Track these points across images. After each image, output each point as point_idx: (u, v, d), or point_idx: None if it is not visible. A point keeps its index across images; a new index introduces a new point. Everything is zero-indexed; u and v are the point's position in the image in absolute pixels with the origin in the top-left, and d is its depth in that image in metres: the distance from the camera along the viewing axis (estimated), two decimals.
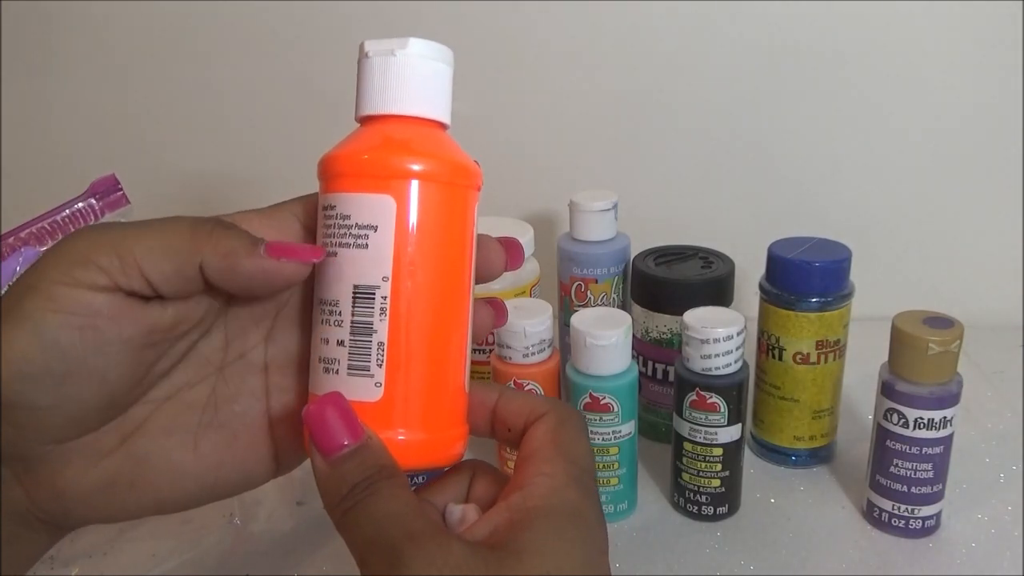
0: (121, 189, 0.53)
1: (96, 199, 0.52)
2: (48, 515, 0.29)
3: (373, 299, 0.30)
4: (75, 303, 0.27)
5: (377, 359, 0.30)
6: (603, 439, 0.52)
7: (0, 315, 0.27)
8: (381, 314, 0.30)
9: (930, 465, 0.50)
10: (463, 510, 0.31)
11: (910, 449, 0.50)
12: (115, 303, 0.27)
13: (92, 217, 0.52)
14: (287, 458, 0.33)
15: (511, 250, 0.35)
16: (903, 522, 0.52)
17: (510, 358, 0.52)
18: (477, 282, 0.33)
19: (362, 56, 0.31)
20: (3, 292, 0.29)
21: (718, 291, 0.60)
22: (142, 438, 0.30)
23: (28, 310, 0.26)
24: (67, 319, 0.27)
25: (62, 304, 0.27)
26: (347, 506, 0.27)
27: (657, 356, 0.62)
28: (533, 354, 0.52)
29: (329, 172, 0.31)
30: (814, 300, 0.55)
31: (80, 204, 0.52)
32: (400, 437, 0.30)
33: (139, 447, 0.30)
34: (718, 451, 0.53)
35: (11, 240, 0.49)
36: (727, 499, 0.54)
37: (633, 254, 0.64)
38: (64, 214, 0.51)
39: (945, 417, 0.49)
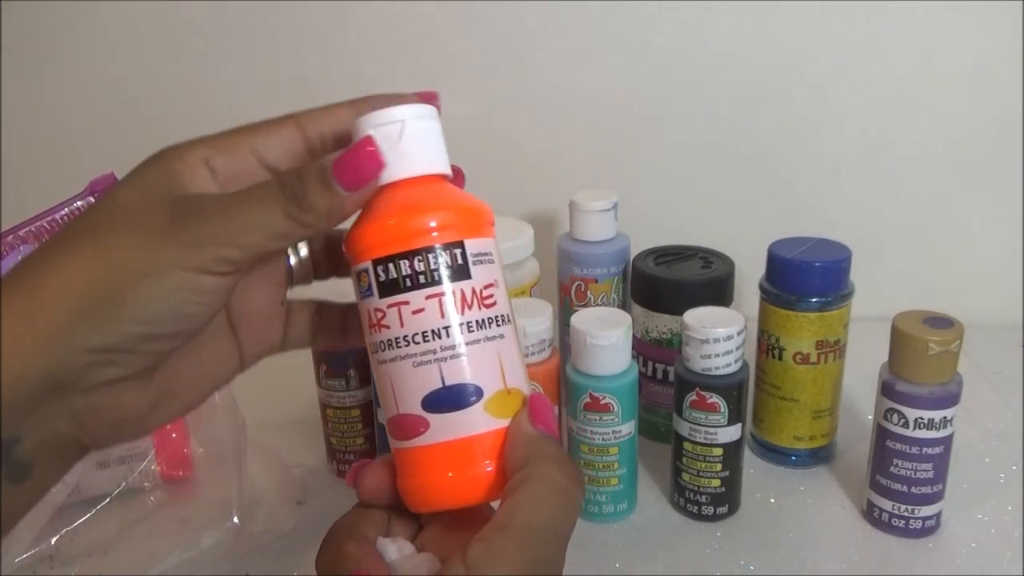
0: None
1: (95, 198, 0.52)
2: (95, 440, 0.32)
3: None
4: (208, 285, 0.30)
5: None
6: (603, 439, 0.52)
7: (125, 276, 0.29)
8: None
9: (930, 465, 0.50)
10: (399, 545, 0.32)
11: (910, 449, 0.50)
12: (232, 281, 0.31)
13: None
14: (249, 352, 0.36)
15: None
16: (903, 522, 0.52)
17: None
18: None
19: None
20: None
21: (718, 291, 0.60)
22: (174, 359, 0.33)
23: (165, 287, 0.29)
24: (199, 297, 0.30)
25: (196, 285, 0.30)
26: (530, 472, 0.29)
27: (657, 356, 0.62)
28: (533, 354, 0.52)
29: (487, 219, 0.33)
30: (814, 300, 0.55)
31: (79, 203, 0.52)
32: None
33: (172, 366, 0.33)
34: (718, 451, 0.53)
35: (10, 238, 0.49)
36: (727, 499, 0.54)
37: (633, 254, 0.64)
38: (63, 212, 0.51)
39: (945, 417, 0.49)
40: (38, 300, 0.29)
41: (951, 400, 0.49)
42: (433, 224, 0.31)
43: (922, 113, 0.76)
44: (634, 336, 0.61)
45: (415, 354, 0.31)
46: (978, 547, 0.52)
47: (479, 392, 0.31)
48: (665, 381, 0.62)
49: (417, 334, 0.31)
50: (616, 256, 0.64)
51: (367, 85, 0.35)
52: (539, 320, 0.52)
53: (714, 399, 0.51)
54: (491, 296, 0.32)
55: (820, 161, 0.78)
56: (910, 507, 0.51)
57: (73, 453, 0.32)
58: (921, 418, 0.49)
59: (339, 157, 0.30)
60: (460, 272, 0.31)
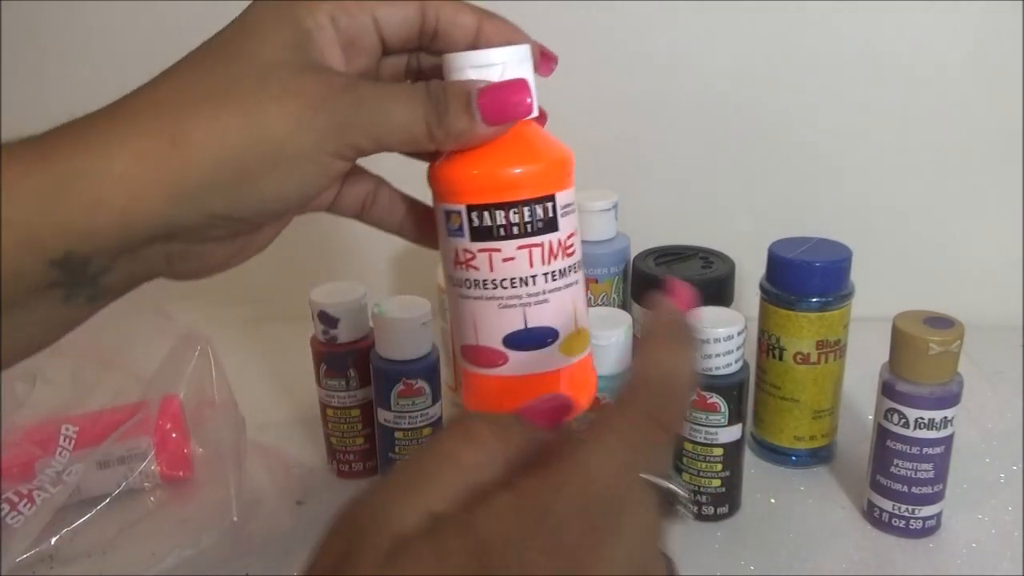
0: None
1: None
2: (177, 277, 0.33)
3: None
4: (338, 171, 0.31)
5: None
6: None
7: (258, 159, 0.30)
8: None
9: (930, 465, 0.50)
10: None
11: (910, 449, 0.50)
12: (347, 168, 0.32)
13: None
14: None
15: (544, 57, 0.38)
16: (903, 522, 0.52)
17: None
18: None
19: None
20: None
21: (718, 291, 0.60)
22: None
23: (303, 169, 0.30)
24: (322, 180, 0.31)
25: (325, 170, 0.31)
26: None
27: None
28: None
29: (571, 166, 0.34)
30: (814, 300, 0.55)
31: None
32: None
33: None
34: (718, 451, 0.53)
35: None
36: (727, 499, 0.54)
37: (633, 254, 0.64)
38: None
39: (945, 417, 0.49)
40: (178, 153, 0.29)
41: (951, 400, 0.49)
42: (530, 177, 0.32)
43: (922, 113, 0.76)
44: (634, 336, 0.60)
45: (501, 297, 0.33)
46: (978, 547, 0.52)
47: (555, 334, 0.33)
48: None
49: (505, 280, 0.32)
50: (616, 256, 0.64)
51: None
52: None
53: (714, 399, 0.51)
54: (572, 245, 0.34)
55: (820, 161, 0.78)
56: (910, 507, 0.51)
57: (149, 280, 0.33)
58: (921, 418, 0.49)
59: (489, 89, 0.31)
60: (550, 225, 0.33)
